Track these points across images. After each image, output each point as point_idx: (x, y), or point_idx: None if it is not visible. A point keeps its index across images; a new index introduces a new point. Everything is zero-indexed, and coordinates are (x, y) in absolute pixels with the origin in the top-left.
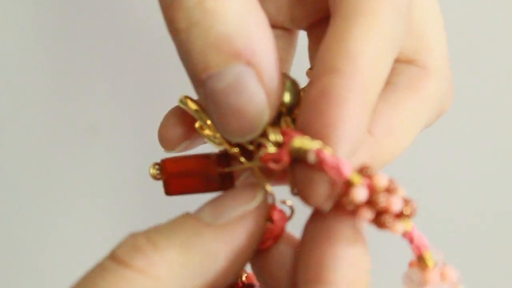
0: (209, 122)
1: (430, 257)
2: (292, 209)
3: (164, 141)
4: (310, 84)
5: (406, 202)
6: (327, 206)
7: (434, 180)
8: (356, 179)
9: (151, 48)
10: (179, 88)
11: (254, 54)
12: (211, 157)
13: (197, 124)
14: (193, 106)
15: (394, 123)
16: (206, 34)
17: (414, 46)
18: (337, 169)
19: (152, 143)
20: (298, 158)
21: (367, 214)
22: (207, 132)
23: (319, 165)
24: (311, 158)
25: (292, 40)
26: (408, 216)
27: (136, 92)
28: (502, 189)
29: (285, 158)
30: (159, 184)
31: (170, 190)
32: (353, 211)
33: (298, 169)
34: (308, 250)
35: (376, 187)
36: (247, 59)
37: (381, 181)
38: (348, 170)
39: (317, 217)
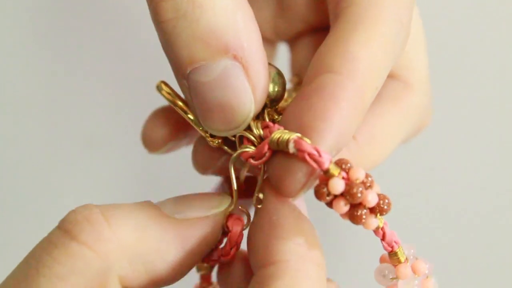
0: (186, 113)
1: (402, 253)
2: (248, 216)
3: (148, 142)
4: (304, 82)
5: (382, 197)
6: (298, 195)
7: (425, 181)
8: (334, 170)
9: (149, 59)
10: None
11: (241, 48)
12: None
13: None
14: (167, 90)
15: (377, 132)
16: (194, 26)
17: (398, 62)
18: (316, 159)
19: (150, 155)
20: (278, 150)
21: (343, 206)
22: (189, 116)
23: (299, 154)
24: (291, 146)
25: (273, 52)
26: (382, 212)
27: (133, 104)
28: (493, 190)
29: (265, 152)
30: (157, 194)
31: None
32: (329, 203)
33: (277, 159)
34: (257, 238)
35: (353, 180)
36: (235, 53)
37: (358, 174)
38: (327, 160)
39: (261, 210)
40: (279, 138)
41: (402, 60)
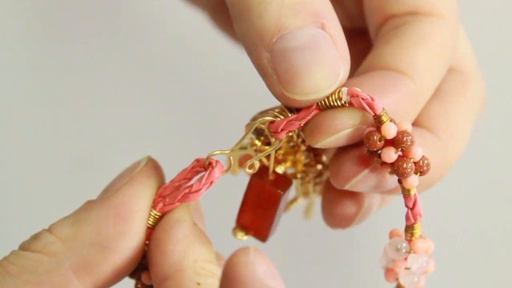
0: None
1: (419, 228)
2: (230, 162)
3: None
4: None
5: (424, 157)
6: (341, 140)
7: None
8: (385, 117)
9: (141, 79)
10: (168, 119)
11: (329, 19)
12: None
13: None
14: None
15: (455, 126)
16: None
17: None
18: (370, 103)
19: None
20: (324, 108)
21: (392, 154)
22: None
23: (352, 100)
24: (344, 93)
25: None
26: (423, 172)
27: (124, 123)
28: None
29: (312, 109)
30: None
31: (263, 236)
32: (377, 152)
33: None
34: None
35: (403, 130)
36: (323, 22)
37: (406, 125)
38: (380, 106)
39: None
40: (330, 94)
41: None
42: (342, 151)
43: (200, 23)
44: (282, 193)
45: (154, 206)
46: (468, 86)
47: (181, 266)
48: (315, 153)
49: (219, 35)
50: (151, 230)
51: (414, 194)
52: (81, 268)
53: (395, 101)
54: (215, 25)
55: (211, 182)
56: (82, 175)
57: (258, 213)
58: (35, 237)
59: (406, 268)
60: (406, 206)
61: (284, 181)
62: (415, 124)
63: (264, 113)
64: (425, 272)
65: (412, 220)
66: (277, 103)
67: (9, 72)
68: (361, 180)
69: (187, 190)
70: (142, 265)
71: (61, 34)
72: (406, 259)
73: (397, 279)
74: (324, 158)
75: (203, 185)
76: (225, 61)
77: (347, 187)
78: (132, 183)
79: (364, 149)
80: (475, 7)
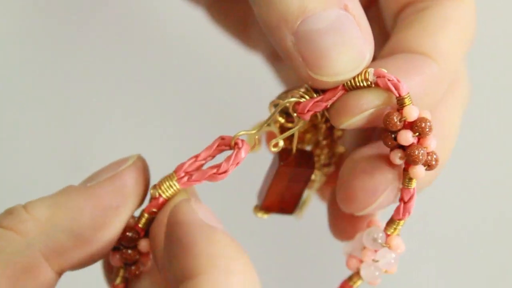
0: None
1: (401, 226)
2: (254, 142)
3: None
4: (382, 56)
5: (433, 152)
6: (365, 120)
7: None
8: (408, 100)
9: (138, 84)
10: (165, 123)
11: (351, 1)
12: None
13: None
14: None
15: (446, 125)
16: None
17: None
18: (395, 84)
19: None
20: (350, 89)
21: (410, 137)
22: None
23: (378, 80)
24: (371, 74)
25: None
26: (430, 166)
27: (120, 126)
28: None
29: (338, 90)
30: None
31: (290, 210)
32: (393, 133)
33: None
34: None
35: (423, 117)
36: (345, 4)
37: (426, 114)
38: (406, 88)
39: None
40: (356, 75)
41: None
42: (350, 174)
43: (195, 20)
44: (310, 170)
45: (178, 179)
46: (456, 83)
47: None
48: (332, 138)
49: (215, 32)
50: (165, 201)
51: (414, 189)
52: (51, 252)
53: (420, 84)
54: (212, 19)
55: (238, 163)
56: (78, 176)
57: (285, 196)
58: (10, 212)
59: (374, 260)
60: (401, 199)
61: (307, 157)
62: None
63: (288, 92)
64: (387, 271)
65: (401, 215)
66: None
67: (8, 77)
68: (376, 206)
69: (214, 170)
70: (136, 232)
71: (55, 33)
72: (376, 251)
73: (358, 268)
74: (342, 148)
75: (230, 165)
76: (224, 59)
77: (360, 213)
78: (115, 178)
79: (375, 171)
80: None
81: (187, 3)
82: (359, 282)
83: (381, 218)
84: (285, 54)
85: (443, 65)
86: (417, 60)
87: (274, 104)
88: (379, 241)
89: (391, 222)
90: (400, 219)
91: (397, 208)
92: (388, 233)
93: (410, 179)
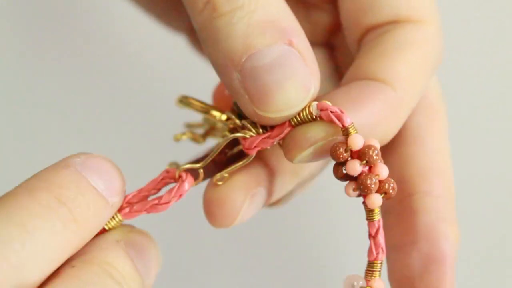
0: (217, 115)
1: (380, 267)
2: (200, 176)
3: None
4: (342, 84)
5: (388, 180)
6: (317, 154)
7: None
8: (353, 130)
9: (134, 98)
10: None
11: (297, 35)
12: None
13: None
14: (197, 102)
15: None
16: (250, 16)
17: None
18: (338, 115)
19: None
20: (297, 124)
21: (358, 167)
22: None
23: (322, 114)
24: (314, 108)
25: None
26: (387, 195)
27: (120, 131)
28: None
29: (285, 127)
30: (144, 223)
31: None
32: (341, 165)
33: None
34: None
35: (370, 144)
36: (290, 39)
37: (373, 142)
38: (348, 119)
39: None
40: (301, 110)
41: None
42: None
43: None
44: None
45: (119, 210)
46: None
47: None
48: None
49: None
50: (104, 231)
51: (378, 220)
52: None
53: (373, 111)
54: (194, 48)
55: (180, 195)
56: None
57: None
58: None
59: None
60: (369, 234)
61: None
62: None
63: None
64: None
65: (374, 254)
66: None
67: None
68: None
69: (156, 201)
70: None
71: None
72: None
73: None
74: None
75: (172, 197)
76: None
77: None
78: None
79: None
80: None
81: (169, 30)
82: None
83: None
84: (232, 92)
85: (400, 91)
86: (371, 87)
87: (227, 118)
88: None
89: (369, 266)
90: (375, 259)
91: (369, 248)
92: (367, 279)
93: (371, 210)
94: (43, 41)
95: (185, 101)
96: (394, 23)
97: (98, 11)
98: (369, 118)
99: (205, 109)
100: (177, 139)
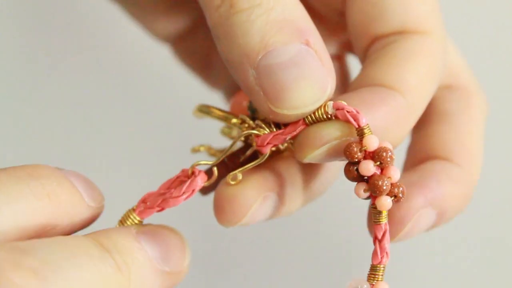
0: (234, 120)
1: (383, 271)
2: (214, 173)
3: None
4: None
5: (399, 184)
6: (328, 153)
7: None
8: (368, 131)
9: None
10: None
11: (314, 36)
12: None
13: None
14: (217, 110)
15: (471, 150)
16: (269, 13)
17: (449, 74)
18: (354, 115)
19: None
20: (311, 123)
21: (371, 168)
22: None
23: (337, 113)
24: (330, 107)
25: None
26: (397, 198)
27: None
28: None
29: (299, 125)
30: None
31: None
32: (355, 164)
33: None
34: None
35: (384, 146)
36: (307, 39)
37: (387, 144)
38: (365, 119)
39: None
40: (316, 109)
41: (449, 69)
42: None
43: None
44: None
45: (135, 209)
46: (473, 103)
47: None
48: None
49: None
50: None
51: (385, 224)
52: None
53: (384, 116)
54: (178, 58)
55: (193, 191)
56: None
57: None
58: None
59: None
60: (375, 238)
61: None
62: (432, 156)
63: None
64: None
65: (379, 258)
66: None
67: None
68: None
69: (168, 195)
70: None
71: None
72: None
73: None
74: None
75: (183, 192)
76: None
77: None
78: None
79: None
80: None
81: (154, 39)
82: None
83: None
84: (247, 89)
85: (409, 98)
86: (382, 92)
87: (241, 121)
88: None
89: (372, 269)
90: (379, 263)
91: (374, 251)
92: (373, 282)
93: (379, 212)
94: (51, 39)
95: (205, 109)
96: (401, 33)
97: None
98: (381, 122)
99: (225, 117)
100: (194, 151)
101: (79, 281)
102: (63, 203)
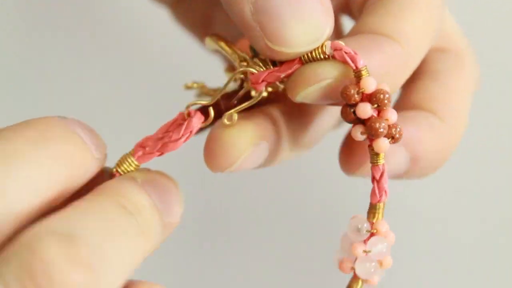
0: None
1: (383, 209)
2: (210, 114)
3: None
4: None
5: (395, 125)
6: (321, 93)
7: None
8: (366, 73)
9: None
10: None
11: None
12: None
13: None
14: (225, 45)
15: (456, 107)
16: None
17: (442, 37)
18: (352, 56)
19: None
20: (307, 62)
21: (369, 110)
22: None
23: (335, 53)
24: (328, 47)
25: None
26: (394, 139)
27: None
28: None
29: (295, 63)
30: None
31: None
32: (351, 107)
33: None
34: None
35: (381, 88)
36: None
37: (386, 86)
38: (363, 62)
39: None
40: (313, 49)
41: (445, 34)
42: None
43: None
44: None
45: (133, 154)
46: (463, 65)
47: None
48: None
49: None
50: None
51: (383, 165)
52: None
53: (381, 62)
54: (176, 20)
55: (191, 132)
56: None
57: None
58: None
59: (365, 251)
60: (373, 178)
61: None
62: (417, 107)
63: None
64: (382, 264)
65: (378, 197)
66: None
67: None
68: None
69: (166, 139)
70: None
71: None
72: (365, 241)
73: (352, 268)
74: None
75: (182, 134)
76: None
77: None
78: None
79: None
80: None
81: (153, 3)
82: (359, 283)
83: None
84: (243, 25)
85: (406, 47)
86: (379, 39)
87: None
88: (364, 230)
89: (371, 208)
90: (378, 202)
91: (372, 190)
92: (373, 220)
93: (377, 154)
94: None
95: (215, 40)
96: None
97: None
98: (377, 68)
99: (231, 53)
100: (187, 88)
101: (122, 266)
102: (78, 163)
